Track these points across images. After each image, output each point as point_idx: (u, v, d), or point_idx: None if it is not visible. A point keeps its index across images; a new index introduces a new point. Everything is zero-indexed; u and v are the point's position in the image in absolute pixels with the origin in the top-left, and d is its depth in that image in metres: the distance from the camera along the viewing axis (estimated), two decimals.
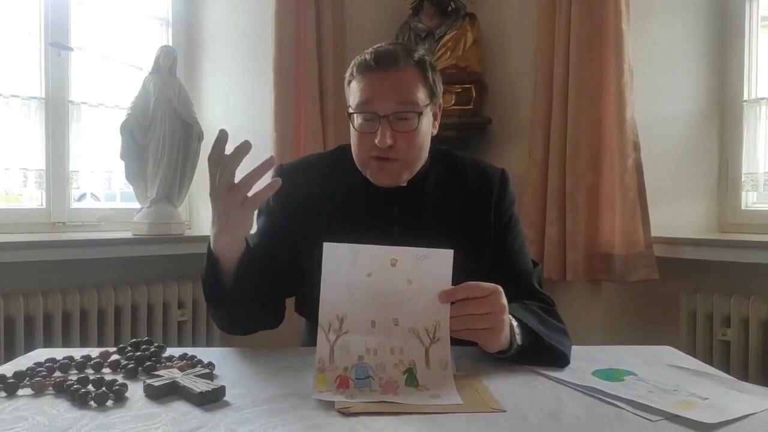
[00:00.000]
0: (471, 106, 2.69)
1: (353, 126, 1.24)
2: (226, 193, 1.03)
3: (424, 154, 1.28)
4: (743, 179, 2.52)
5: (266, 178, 1.06)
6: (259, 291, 1.16)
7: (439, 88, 1.27)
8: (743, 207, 2.55)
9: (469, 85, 2.69)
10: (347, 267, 0.98)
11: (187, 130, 2.52)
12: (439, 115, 1.31)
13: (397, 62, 1.20)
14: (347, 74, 1.27)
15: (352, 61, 1.26)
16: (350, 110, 1.24)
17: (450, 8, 2.77)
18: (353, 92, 1.24)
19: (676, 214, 2.55)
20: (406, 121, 1.20)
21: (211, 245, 1.11)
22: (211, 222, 1.09)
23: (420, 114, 1.21)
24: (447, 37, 2.72)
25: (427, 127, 1.26)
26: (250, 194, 1.04)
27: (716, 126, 2.60)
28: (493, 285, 1.02)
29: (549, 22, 2.52)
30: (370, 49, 1.24)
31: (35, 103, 2.46)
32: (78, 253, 2.29)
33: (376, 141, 1.19)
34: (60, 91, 2.51)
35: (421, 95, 1.22)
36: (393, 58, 1.20)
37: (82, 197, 2.66)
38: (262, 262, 1.16)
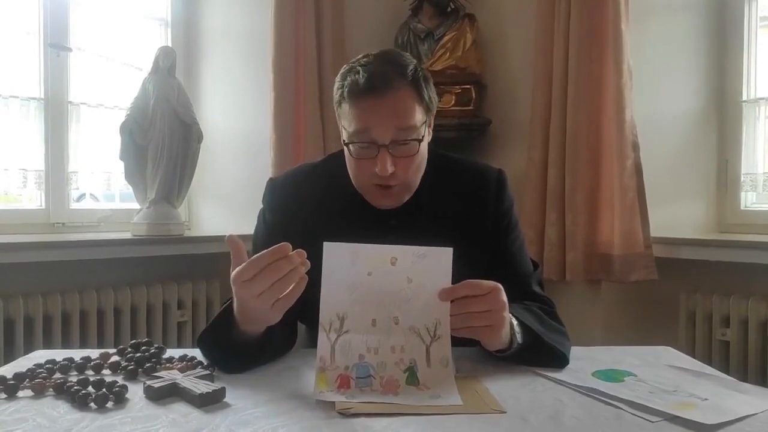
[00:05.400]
0: (470, 107, 2.70)
1: (349, 153, 1.18)
2: (256, 299, 0.97)
3: (423, 170, 1.23)
4: (742, 179, 2.53)
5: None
6: (284, 332, 1.11)
7: (434, 99, 1.22)
8: (742, 207, 2.55)
9: (468, 86, 2.69)
10: (347, 266, 0.98)
11: (186, 131, 2.52)
12: (433, 121, 1.26)
13: (390, 85, 1.12)
14: (337, 93, 1.18)
15: (341, 77, 1.17)
16: (345, 140, 1.18)
17: (449, 9, 2.78)
18: (346, 117, 1.17)
19: (676, 215, 2.55)
20: (406, 146, 1.15)
21: (237, 324, 1.04)
22: (236, 310, 1.03)
23: (420, 140, 1.17)
24: (446, 38, 2.73)
25: (425, 144, 1.21)
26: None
27: (715, 126, 2.60)
28: (493, 282, 1.02)
29: (548, 22, 2.52)
30: (359, 67, 1.15)
31: (34, 103, 2.46)
32: (77, 253, 2.29)
33: (377, 170, 1.14)
34: (59, 91, 2.51)
35: (419, 115, 1.16)
36: (386, 81, 1.12)
37: (81, 198, 2.66)
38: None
